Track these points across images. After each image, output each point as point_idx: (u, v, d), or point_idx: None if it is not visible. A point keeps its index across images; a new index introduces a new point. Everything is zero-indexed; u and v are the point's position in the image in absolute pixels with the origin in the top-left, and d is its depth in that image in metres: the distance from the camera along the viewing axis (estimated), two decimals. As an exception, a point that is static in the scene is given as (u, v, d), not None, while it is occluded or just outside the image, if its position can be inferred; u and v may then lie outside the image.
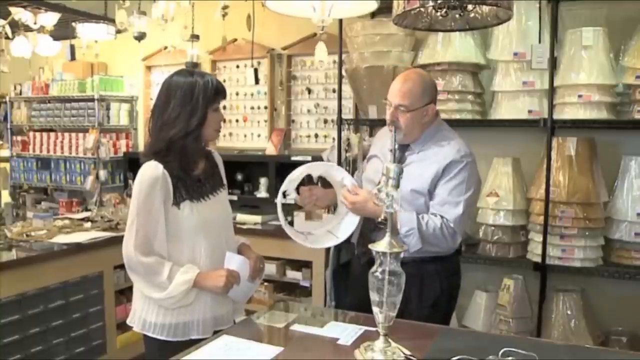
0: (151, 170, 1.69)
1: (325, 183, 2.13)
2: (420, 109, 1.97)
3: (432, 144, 2.02)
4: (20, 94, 5.54)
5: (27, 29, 4.31)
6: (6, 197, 5.54)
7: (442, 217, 1.92)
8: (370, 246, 1.43)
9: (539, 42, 3.00)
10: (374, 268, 1.41)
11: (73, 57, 4.55)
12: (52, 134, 5.28)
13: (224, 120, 1.87)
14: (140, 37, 3.93)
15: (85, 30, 4.05)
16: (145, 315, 1.74)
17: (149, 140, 1.80)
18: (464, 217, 1.94)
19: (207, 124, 1.74)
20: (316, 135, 4.29)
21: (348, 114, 3.95)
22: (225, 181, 1.94)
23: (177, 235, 1.73)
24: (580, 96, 2.92)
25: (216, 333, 1.69)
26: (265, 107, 4.45)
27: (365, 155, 2.70)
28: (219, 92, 1.77)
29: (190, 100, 1.70)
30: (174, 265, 1.69)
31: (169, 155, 1.71)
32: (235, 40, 4.40)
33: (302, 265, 3.74)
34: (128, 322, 1.82)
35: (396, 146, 1.50)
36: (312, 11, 1.99)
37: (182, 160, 1.74)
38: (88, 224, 3.47)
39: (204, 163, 1.84)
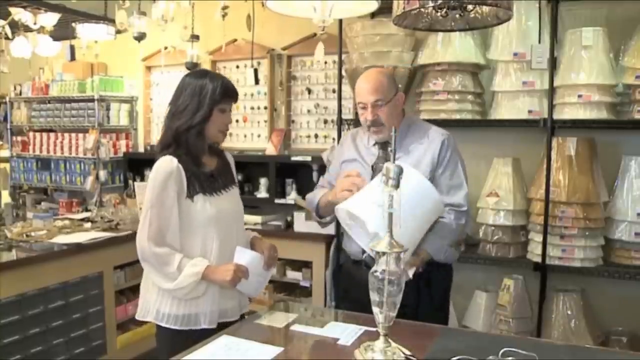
0: (166, 164, 1.77)
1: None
2: (394, 99, 2.03)
3: (410, 135, 2.06)
4: (20, 94, 5.54)
5: (27, 29, 4.31)
6: (6, 198, 5.53)
7: (449, 208, 1.96)
8: (370, 246, 1.43)
9: (539, 42, 3.00)
10: (374, 268, 1.41)
11: (73, 58, 4.55)
12: (52, 134, 5.28)
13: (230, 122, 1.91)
14: (140, 37, 3.94)
15: (85, 31, 4.05)
16: (159, 306, 1.80)
17: (162, 131, 1.90)
18: (467, 190, 2.05)
19: (211, 121, 1.80)
20: (316, 136, 4.28)
21: (348, 114, 3.95)
22: (236, 180, 2.01)
23: (190, 228, 1.79)
24: (580, 96, 2.92)
25: (222, 325, 1.76)
26: (265, 108, 4.45)
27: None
28: (227, 93, 1.83)
29: (198, 96, 1.79)
30: (184, 258, 1.75)
31: (179, 149, 1.79)
32: (235, 40, 4.39)
33: (302, 265, 3.74)
34: (137, 316, 1.86)
35: (395, 146, 1.50)
36: (313, 11, 1.99)
37: (189, 154, 1.81)
38: (88, 224, 3.47)
39: (216, 161, 1.92)
